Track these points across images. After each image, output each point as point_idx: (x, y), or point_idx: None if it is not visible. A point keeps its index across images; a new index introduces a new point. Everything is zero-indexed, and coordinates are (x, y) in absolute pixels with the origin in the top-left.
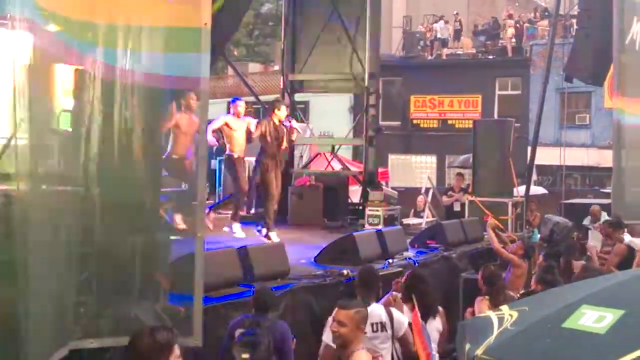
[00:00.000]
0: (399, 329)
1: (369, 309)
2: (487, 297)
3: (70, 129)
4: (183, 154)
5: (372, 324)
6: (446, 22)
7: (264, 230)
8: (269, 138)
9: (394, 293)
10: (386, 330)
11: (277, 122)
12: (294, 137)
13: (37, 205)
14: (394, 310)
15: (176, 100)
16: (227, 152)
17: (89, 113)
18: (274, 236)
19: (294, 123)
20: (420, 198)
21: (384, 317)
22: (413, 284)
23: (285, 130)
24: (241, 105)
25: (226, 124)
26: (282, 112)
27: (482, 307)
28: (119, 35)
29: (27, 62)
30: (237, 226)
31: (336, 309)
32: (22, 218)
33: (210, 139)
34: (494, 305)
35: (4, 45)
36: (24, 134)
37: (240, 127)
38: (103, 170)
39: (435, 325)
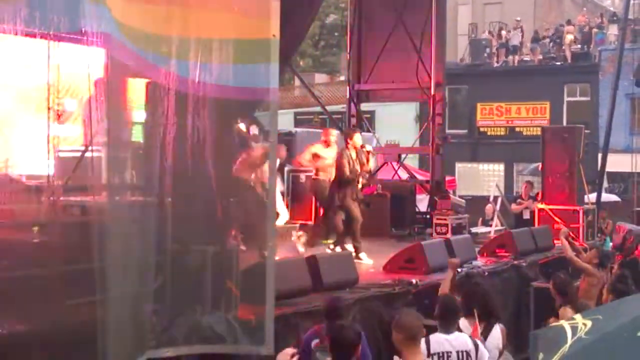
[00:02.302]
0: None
1: (453, 335)
2: (568, 305)
3: (142, 141)
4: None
5: (457, 352)
6: (515, 29)
7: (354, 254)
8: (347, 170)
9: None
10: (471, 358)
11: (353, 153)
12: (371, 165)
13: (112, 215)
14: (479, 342)
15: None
16: (313, 175)
17: (163, 125)
18: (365, 257)
19: (367, 147)
20: (489, 206)
21: (470, 346)
22: (470, 294)
23: (362, 159)
24: (333, 134)
25: (315, 155)
26: (357, 140)
27: (567, 317)
28: (191, 47)
29: (102, 76)
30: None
31: None
32: (98, 228)
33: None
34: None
35: (79, 59)
36: (99, 146)
37: (329, 155)
38: (176, 181)
39: (495, 343)
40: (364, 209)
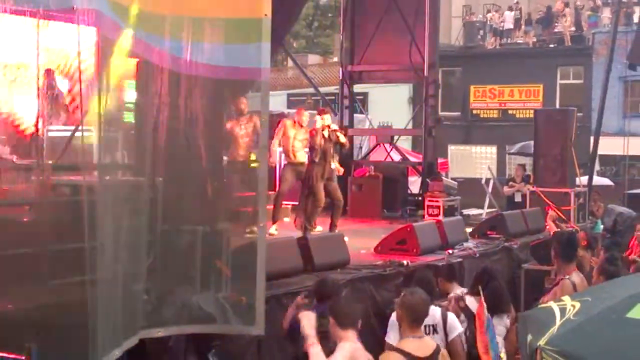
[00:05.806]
0: (450, 333)
1: None
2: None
3: (134, 121)
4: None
5: (424, 326)
6: (508, 11)
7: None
8: (317, 148)
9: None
10: (437, 333)
11: (324, 132)
12: (342, 139)
13: (102, 195)
14: (449, 314)
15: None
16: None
17: (156, 105)
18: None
19: (333, 126)
20: None
21: (437, 319)
22: (482, 279)
23: (333, 138)
24: (305, 115)
25: (284, 133)
26: (325, 121)
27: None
28: (184, 26)
29: (93, 55)
30: (272, 227)
31: None
32: (89, 208)
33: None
34: None
35: (69, 38)
36: (90, 126)
37: (297, 136)
38: (168, 161)
39: (504, 322)
40: (356, 191)
